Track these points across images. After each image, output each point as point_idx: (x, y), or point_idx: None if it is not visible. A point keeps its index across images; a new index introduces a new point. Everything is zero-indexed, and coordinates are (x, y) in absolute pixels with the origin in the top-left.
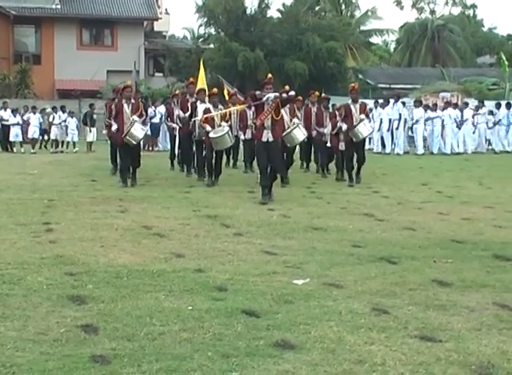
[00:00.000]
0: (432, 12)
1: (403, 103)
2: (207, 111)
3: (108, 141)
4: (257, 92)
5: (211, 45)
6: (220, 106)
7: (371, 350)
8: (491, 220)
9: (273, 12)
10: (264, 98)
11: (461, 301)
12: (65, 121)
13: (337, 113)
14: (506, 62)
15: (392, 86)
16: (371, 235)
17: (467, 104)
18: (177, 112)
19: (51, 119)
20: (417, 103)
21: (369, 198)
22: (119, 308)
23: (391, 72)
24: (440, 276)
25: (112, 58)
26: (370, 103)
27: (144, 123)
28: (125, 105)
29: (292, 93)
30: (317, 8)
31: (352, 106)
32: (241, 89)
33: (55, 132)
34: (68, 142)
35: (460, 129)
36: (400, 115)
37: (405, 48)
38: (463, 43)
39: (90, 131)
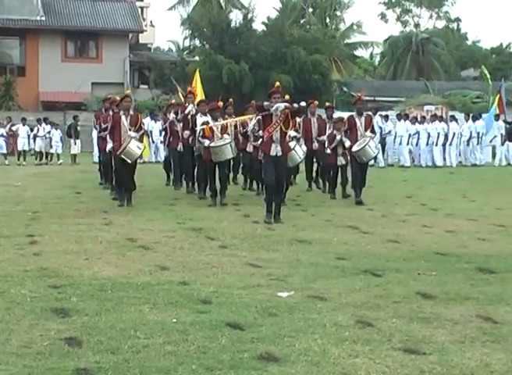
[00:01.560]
0: (417, 25)
1: (386, 116)
2: (205, 124)
3: (97, 153)
4: (266, 103)
5: (196, 58)
6: (219, 119)
7: (355, 363)
8: (475, 233)
9: (258, 25)
10: (273, 109)
11: (445, 314)
12: (49, 133)
13: (335, 126)
14: (489, 76)
15: (377, 99)
16: (356, 248)
17: (453, 117)
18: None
19: (35, 131)
20: (401, 116)
21: (354, 211)
22: (103, 321)
23: (375, 85)
24: (424, 289)
25: (96, 71)
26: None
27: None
28: (123, 117)
29: (303, 103)
30: (302, 21)
31: (357, 119)
32: (226, 102)
33: (39, 144)
34: (52, 154)
35: (446, 142)
36: (380, 128)
37: (389, 61)
38: (447, 56)
39: (75, 144)
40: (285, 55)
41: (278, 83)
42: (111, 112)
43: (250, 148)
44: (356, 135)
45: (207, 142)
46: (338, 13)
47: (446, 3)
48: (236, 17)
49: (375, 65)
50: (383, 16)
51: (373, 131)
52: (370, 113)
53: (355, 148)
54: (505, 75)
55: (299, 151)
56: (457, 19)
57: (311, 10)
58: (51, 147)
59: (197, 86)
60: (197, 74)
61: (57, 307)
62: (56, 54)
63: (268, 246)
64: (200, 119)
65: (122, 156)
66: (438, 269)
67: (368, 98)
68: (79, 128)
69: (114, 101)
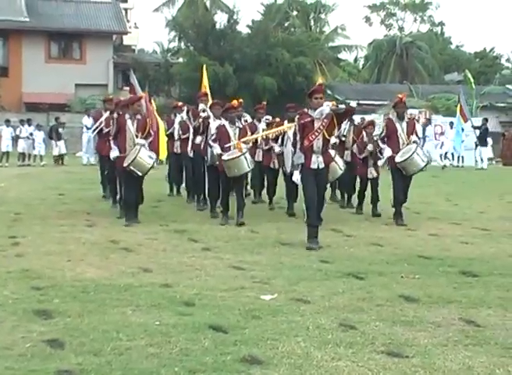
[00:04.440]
0: (401, 29)
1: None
2: (221, 128)
3: (96, 159)
4: (305, 110)
5: (181, 59)
6: (238, 123)
7: (338, 366)
8: (458, 236)
9: (242, 28)
10: (316, 113)
11: (428, 317)
12: (31, 134)
13: (365, 132)
14: (472, 80)
15: (361, 102)
16: (339, 251)
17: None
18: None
19: (17, 132)
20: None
21: (337, 214)
22: (85, 323)
23: (359, 88)
24: (407, 292)
25: (80, 72)
26: None
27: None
28: (128, 122)
29: (353, 104)
30: (286, 24)
31: (397, 124)
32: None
33: (21, 145)
34: (35, 155)
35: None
36: None
37: (373, 65)
38: (431, 60)
39: (57, 145)
40: (269, 58)
41: (320, 81)
42: (115, 115)
43: (259, 157)
44: (397, 143)
45: (217, 149)
46: (322, 16)
47: (430, 7)
48: (220, 19)
49: (359, 68)
50: (367, 20)
51: (417, 137)
52: (412, 117)
53: (399, 159)
54: (488, 79)
55: (339, 161)
56: (441, 23)
57: (295, 13)
58: (34, 148)
59: (206, 85)
60: (205, 72)
61: (39, 309)
62: (40, 55)
63: (251, 249)
64: (214, 123)
65: (132, 168)
66: (421, 273)
67: (351, 101)
68: (61, 130)
69: (118, 102)
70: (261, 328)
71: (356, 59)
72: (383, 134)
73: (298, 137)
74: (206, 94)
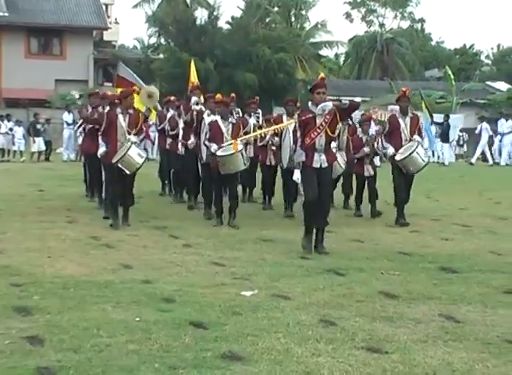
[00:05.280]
0: (381, 25)
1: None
2: (213, 124)
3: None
4: (310, 104)
5: (161, 55)
6: (231, 119)
7: (318, 362)
8: (438, 233)
9: (223, 24)
10: (318, 109)
11: (408, 313)
12: (11, 130)
13: (362, 128)
14: (452, 76)
15: (342, 98)
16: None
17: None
18: (181, 123)
19: None
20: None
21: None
22: (65, 320)
23: (340, 84)
24: (387, 288)
25: (60, 67)
26: None
27: (140, 141)
28: (120, 117)
29: (358, 99)
30: (267, 20)
31: (401, 120)
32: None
33: (1, 141)
34: (15, 151)
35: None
36: None
37: (354, 61)
38: (411, 56)
39: (34, 142)
40: (250, 54)
41: (322, 75)
42: (102, 110)
43: (250, 152)
44: (399, 139)
45: (214, 147)
46: (303, 12)
47: (410, 4)
48: (201, 15)
49: (339, 64)
50: (348, 16)
51: (420, 135)
52: (416, 113)
53: (399, 157)
54: (468, 75)
55: (340, 159)
56: (421, 20)
57: (275, 9)
58: (13, 144)
59: (195, 80)
60: (193, 66)
61: (19, 305)
62: (19, 50)
63: (232, 245)
64: (207, 118)
65: (119, 166)
66: (401, 269)
67: (332, 98)
68: (39, 126)
69: (104, 96)
70: (242, 324)
71: (337, 56)
72: (386, 130)
73: (299, 134)
74: (199, 88)
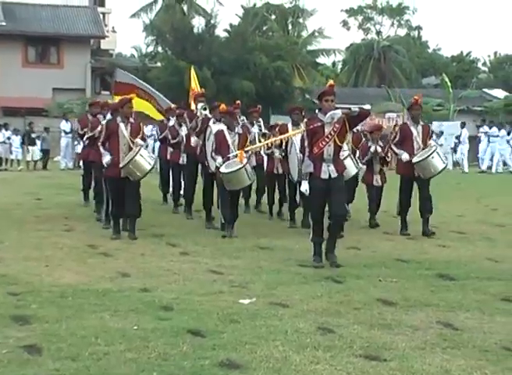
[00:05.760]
0: (378, 33)
1: None
2: (219, 134)
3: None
4: (319, 114)
5: (158, 64)
6: (238, 129)
7: (316, 369)
8: (435, 240)
9: (220, 32)
10: (327, 117)
11: (405, 320)
12: (9, 139)
13: (371, 137)
14: (449, 84)
15: (339, 106)
16: None
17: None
18: (183, 131)
19: None
20: None
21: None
22: (63, 329)
23: (337, 92)
24: (385, 296)
25: (58, 76)
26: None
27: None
28: (121, 126)
29: (367, 106)
30: (264, 28)
31: (412, 128)
32: (186, 109)
33: None
34: (12, 160)
35: None
36: None
37: (351, 69)
38: (408, 64)
39: (28, 151)
40: (247, 62)
41: (331, 81)
42: (102, 118)
43: (253, 161)
44: (412, 148)
45: (219, 160)
46: (300, 20)
47: (407, 11)
48: (198, 23)
49: (337, 72)
50: (345, 24)
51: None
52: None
53: (417, 159)
54: (465, 83)
55: (349, 161)
56: (418, 28)
57: (273, 17)
58: (11, 153)
59: (196, 87)
60: (193, 73)
61: (16, 314)
62: (17, 59)
63: (229, 253)
64: (214, 126)
65: (130, 168)
66: (398, 276)
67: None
68: (33, 135)
69: (105, 105)
70: (240, 332)
71: (334, 63)
72: (397, 139)
73: (306, 144)
74: (204, 95)
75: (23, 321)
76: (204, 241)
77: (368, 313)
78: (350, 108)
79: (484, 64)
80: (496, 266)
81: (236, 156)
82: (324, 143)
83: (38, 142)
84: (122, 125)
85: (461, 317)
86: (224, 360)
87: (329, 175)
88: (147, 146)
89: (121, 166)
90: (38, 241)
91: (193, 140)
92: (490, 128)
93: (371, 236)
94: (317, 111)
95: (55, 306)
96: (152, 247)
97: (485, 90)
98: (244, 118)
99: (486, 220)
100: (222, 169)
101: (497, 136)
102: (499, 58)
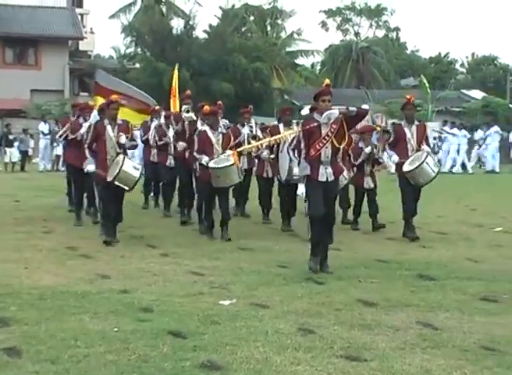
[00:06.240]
0: (357, 34)
1: None
2: (202, 135)
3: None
4: (314, 113)
5: (137, 65)
6: (221, 129)
7: (297, 370)
8: (416, 240)
9: (200, 33)
10: (323, 117)
11: (386, 321)
12: None
13: (363, 138)
14: (428, 85)
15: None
16: (298, 256)
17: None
18: (171, 132)
19: None
20: None
21: (295, 218)
22: (42, 331)
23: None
24: (365, 296)
25: (36, 78)
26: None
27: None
28: (108, 128)
29: (366, 106)
30: (243, 29)
31: (406, 129)
32: (167, 109)
33: None
34: None
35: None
36: None
37: (330, 70)
38: (387, 65)
39: (5, 153)
40: (226, 63)
41: (327, 81)
42: (83, 120)
43: (244, 164)
44: (405, 150)
45: (205, 159)
46: (279, 21)
47: (385, 13)
48: (177, 24)
49: (316, 73)
50: (324, 25)
51: (428, 144)
52: (423, 121)
53: (408, 167)
54: (443, 84)
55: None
56: (397, 29)
57: (252, 18)
58: None
59: (176, 87)
60: (176, 72)
61: None
62: None
63: (210, 254)
64: (201, 128)
65: (117, 183)
66: (379, 277)
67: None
68: (11, 137)
69: (87, 107)
70: (220, 333)
71: (313, 65)
72: (391, 139)
73: (303, 146)
74: (189, 97)
75: (2, 323)
76: (185, 242)
77: (349, 314)
78: (347, 108)
79: (462, 65)
80: (476, 266)
81: (228, 156)
82: (321, 144)
83: (16, 144)
84: (109, 127)
85: (441, 317)
86: (205, 361)
87: (327, 178)
88: (136, 146)
89: (108, 180)
90: (17, 243)
91: (180, 144)
92: (451, 129)
93: (351, 237)
94: (307, 110)
95: (34, 308)
96: (132, 248)
97: (463, 91)
98: (227, 121)
99: (466, 221)
100: (212, 165)
101: (454, 135)
102: (477, 59)
